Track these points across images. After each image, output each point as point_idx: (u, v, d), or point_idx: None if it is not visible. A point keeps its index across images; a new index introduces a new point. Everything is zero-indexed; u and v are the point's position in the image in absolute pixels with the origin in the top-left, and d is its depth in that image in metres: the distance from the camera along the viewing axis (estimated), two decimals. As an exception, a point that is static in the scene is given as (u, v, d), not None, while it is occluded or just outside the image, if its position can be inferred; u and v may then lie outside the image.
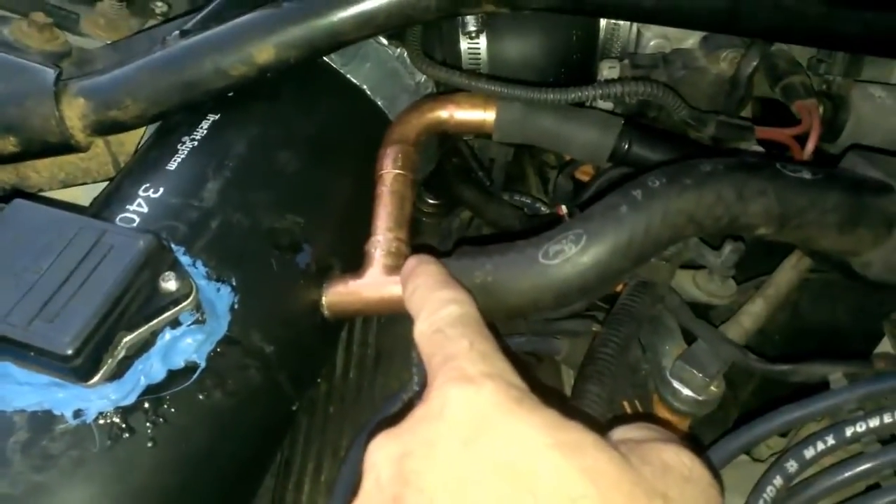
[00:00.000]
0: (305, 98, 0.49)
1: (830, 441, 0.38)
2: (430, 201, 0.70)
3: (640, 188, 0.38)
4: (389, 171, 0.47)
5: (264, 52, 0.44)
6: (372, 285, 0.44)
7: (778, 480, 0.38)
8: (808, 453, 0.38)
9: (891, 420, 0.38)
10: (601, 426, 0.28)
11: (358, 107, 0.51)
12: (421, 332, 0.31)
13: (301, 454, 0.52)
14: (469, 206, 0.67)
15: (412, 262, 0.37)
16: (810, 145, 0.50)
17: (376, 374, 0.53)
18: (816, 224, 0.38)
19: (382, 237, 0.45)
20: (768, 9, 0.45)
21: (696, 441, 0.44)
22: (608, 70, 0.55)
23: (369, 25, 0.45)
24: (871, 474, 0.38)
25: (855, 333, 0.51)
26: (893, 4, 0.45)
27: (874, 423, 0.38)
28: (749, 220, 0.38)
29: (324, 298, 0.44)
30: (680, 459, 0.27)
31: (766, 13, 0.45)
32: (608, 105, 0.55)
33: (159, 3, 0.62)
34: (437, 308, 0.32)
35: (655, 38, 0.56)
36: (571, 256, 0.38)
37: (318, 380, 0.50)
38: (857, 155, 0.43)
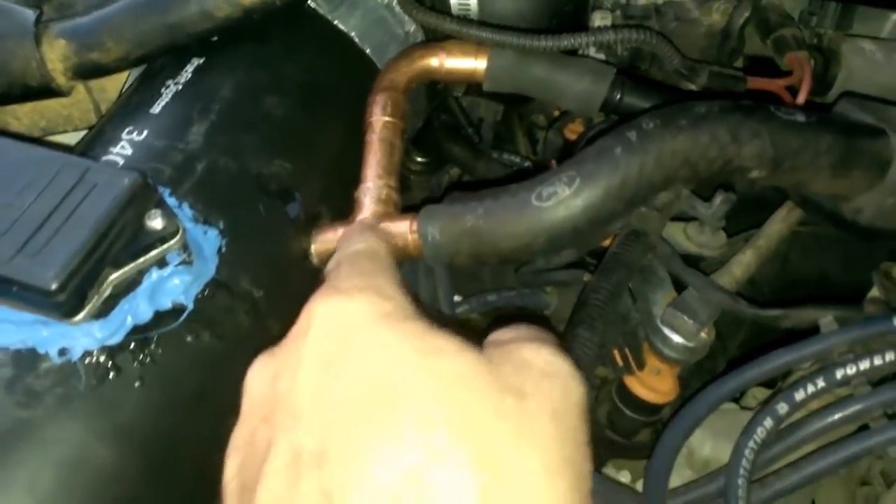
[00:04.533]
0: (292, 43, 0.48)
1: (821, 384, 0.38)
2: (419, 159, 0.69)
3: (635, 129, 0.38)
4: (379, 118, 0.46)
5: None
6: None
7: (768, 422, 0.39)
8: (799, 395, 0.38)
9: (881, 362, 0.38)
10: (477, 333, 0.28)
11: (346, 54, 0.50)
12: (327, 268, 0.32)
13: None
14: (458, 163, 0.67)
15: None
16: (802, 96, 0.49)
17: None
18: (809, 166, 0.38)
19: (372, 184, 0.44)
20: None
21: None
22: (600, 20, 0.54)
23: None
24: (860, 416, 0.38)
25: (844, 285, 0.51)
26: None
27: (864, 365, 0.38)
28: (743, 163, 0.38)
29: (312, 246, 0.44)
30: (540, 355, 0.27)
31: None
32: (600, 56, 0.55)
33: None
34: (346, 245, 0.33)
35: (648, -10, 0.55)
36: (565, 198, 0.38)
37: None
38: (849, 101, 0.43)
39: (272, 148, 0.43)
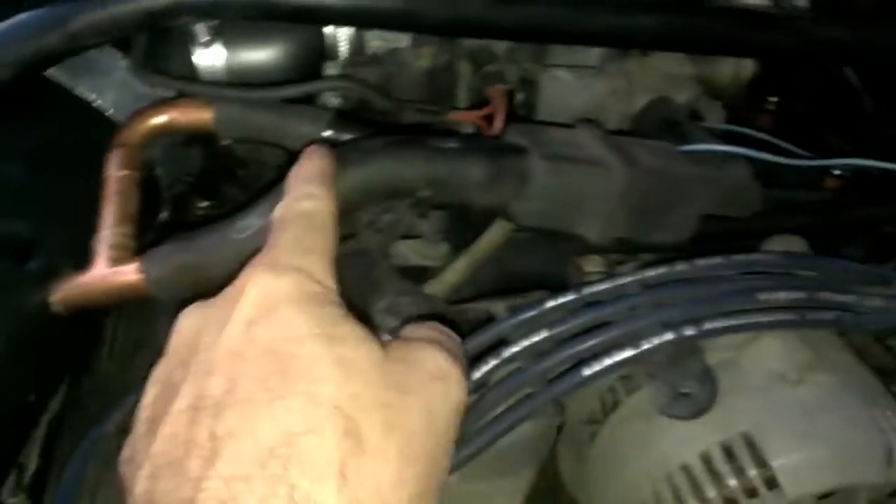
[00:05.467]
0: (31, 114, 0.52)
1: (493, 361, 0.46)
2: (202, 204, 0.74)
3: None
4: (113, 172, 0.51)
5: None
6: (97, 276, 0.48)
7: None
8: (475, 376, 0.46)
9: (538, 338, 0.46)
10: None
11: (87, 117, 0.55)
12: (274, 215, 0.36)
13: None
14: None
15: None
16: (497, 123, 0.58)
17: (132, 365, 0.57)
18: (462, 184, 0.46)
19: (108, 232, 0.49)
20: (436, 9, 0.53)
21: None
22: (331, 69, 0.62)
23: (74, 44, 0.49)
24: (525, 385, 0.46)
25: (553, 279, 0.60)
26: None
27: (527, 342, 0.46)
28: (410, 185, 0.46)
29: (55, 296, 0.48)
30: (434, 359, 0.32)
31: (436, 13, 0.53)
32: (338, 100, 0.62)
33: None
34: (295, 198, 0.37)
35: (375, 40, 0.63)
36: (258, 229, 0.44)
37: (72, 378, 0.53)
38: (512, 127, 0.52)
39: (10, 212, 0.48)
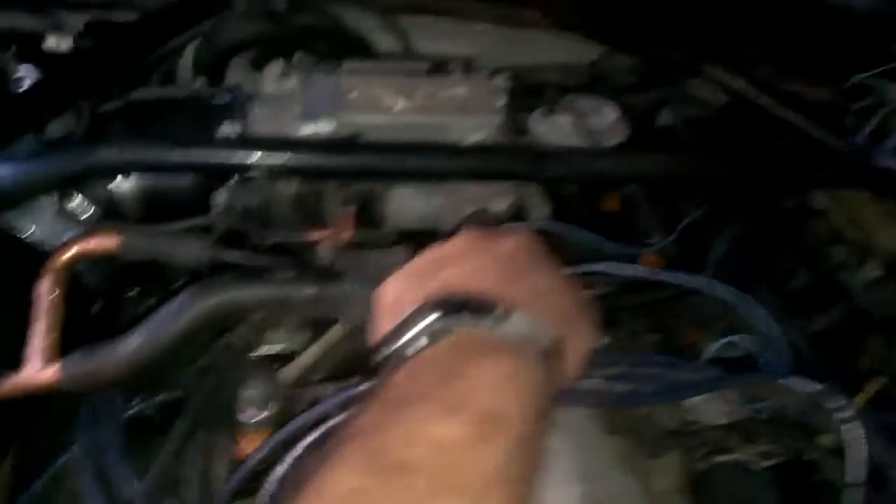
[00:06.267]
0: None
1: (316, 433, 0.63)
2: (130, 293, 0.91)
3: (180, 298, 0.62)
4: (41, 293, 0.68)
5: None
6: (29, 375, 0.65)
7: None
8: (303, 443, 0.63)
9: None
10: None
11: (21, 249, 0.72)
12: None
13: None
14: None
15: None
16: (346, 237, 0.75)
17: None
18: (295, 304, 0.64)
19: (39, 339, 0.66)
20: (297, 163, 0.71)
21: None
22: (221, 194, 0.79)
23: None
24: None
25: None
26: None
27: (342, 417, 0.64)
28: (248, 307, 0.64)
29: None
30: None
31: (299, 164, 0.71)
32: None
33: None
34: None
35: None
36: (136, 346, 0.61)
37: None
38: (343, 253, 0.69)
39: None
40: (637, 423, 0.67)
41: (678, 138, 1.09)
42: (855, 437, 0.65)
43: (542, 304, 0.47)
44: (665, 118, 1.14)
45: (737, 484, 0.66)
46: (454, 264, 0.49)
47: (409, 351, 0.45)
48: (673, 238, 0.92)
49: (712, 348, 0.78)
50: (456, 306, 0.45)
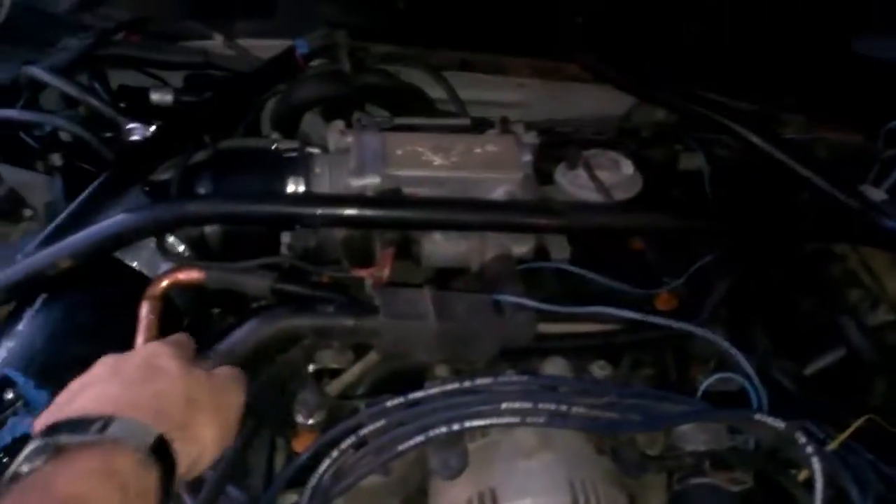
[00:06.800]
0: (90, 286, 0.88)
1: (352, 438, 0.78)
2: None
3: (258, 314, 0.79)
4: (144, 314, 0.86)
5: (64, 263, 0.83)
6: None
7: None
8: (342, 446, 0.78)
9: (377, 426, 0.78)
10: None
11: (130, 277, 0.90)
12: None
13: None
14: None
15: None
16: (384, 276, 0.90)
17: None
18: (337, 333, 0.79)
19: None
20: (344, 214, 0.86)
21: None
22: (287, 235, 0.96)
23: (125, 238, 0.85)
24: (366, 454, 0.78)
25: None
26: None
27: (372, 427, 0.78)
28: (301, 332, 0.79)
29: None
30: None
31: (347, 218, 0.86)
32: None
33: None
34: None
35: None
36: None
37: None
38: (379, 290, 0.84)
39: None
40: (620, 447, 0.79)
41: (697, 187, 1.18)
42: (822, 472, 0.74)
43: (154, 407, 0.58)
44: (688, 163, 1.24)
45: (705, 502, 0.76)
46: (84, 390, 0.60)
47: (25, 469, 0.50)
48: (682, 281, 1.01)
49: (705, 383, 0.87)
50: (56, 427, 0.53)
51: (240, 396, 0.68)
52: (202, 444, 0.61)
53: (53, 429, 0.53)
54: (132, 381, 0.60)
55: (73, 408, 0.57)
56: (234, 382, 0.69)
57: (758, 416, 0.76)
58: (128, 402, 0.57)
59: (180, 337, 0.73)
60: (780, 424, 0.76)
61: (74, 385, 0.61)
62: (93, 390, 0.60)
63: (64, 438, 0.52)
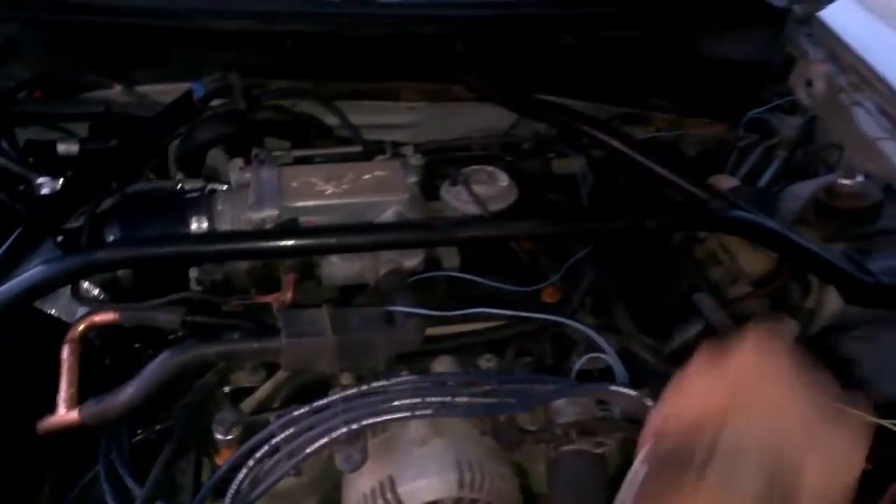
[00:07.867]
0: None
1: (265, 447, 0.87)
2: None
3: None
4: (65, 357, 0.93)
5: None
6: (59, 416, 0.90)
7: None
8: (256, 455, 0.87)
9: (287, 433, 0.87)
10: None
11: (48, 325, 0.98)
12: None
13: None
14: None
15: None
16: (286, 300, 1.00)
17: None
18: (243, 356, 0.89)
19: (65, 391, 0.91)
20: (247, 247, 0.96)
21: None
22: (194, 271, 1.05)
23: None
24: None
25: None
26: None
27: (283, 435, 0.88)
28: (209, 359, 0.88)
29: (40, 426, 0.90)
30: None
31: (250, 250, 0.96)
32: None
33: None
34: None
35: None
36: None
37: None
38: (282, 312, 0.94)
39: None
40: (500, 427, 0.90)
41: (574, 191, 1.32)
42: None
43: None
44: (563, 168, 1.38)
45: (574, 465, 0.89)
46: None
47: None
48: (560, 276, 1.14)
49: (577, 364, 1.00)
50: None
51: None
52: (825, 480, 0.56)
53: None
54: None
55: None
56: None
57: (612, 388, 0.90)
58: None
59: None
60: (632, 392, 0.89)
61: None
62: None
63: None
